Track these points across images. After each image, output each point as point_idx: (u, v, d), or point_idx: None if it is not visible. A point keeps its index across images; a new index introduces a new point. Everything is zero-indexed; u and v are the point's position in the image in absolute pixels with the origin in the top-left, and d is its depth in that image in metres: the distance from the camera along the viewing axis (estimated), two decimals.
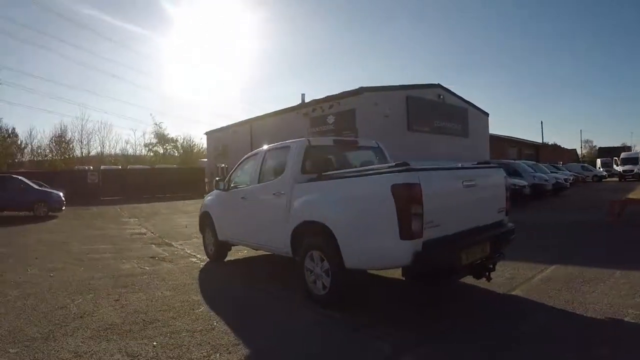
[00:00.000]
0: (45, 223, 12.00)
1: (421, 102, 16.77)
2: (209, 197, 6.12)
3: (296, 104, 20.12)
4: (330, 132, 16.03)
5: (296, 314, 3.63)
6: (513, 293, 3.81)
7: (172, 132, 50.64)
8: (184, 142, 42.39)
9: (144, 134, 61.76)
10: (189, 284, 4.94)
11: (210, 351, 2.91)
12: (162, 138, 38.19)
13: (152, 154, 38.83)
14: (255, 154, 5.15)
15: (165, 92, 67.52)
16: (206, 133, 28.94)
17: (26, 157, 35.66)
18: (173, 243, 8.12)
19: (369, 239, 3.10)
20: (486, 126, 21.96)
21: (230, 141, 24.13)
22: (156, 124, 40.75)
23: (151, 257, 6.76)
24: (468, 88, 74.84)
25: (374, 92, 15.34)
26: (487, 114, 22.08)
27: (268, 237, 4.56)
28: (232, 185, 5.40)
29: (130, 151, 43.37)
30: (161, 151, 41.65)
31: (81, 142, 38.98)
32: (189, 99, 69.89)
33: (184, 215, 13.44)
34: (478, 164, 4.23)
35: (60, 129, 37.12)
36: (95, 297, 4.42)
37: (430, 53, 76.23)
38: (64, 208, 14.88)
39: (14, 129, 34.77)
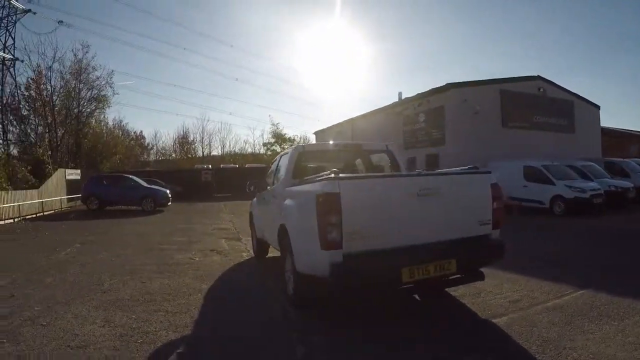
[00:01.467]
0: (147, 217, 15.76)
1: (517, 96, 17.62)
2: (254, 198, 7.29)
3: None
4: (421, 131, 18.56)
5: (266, 310, 4.48)
6: (495, 320, 3.80)
7: (290, 131, 56.32)
8: (300, 141, 47.65)
9: (262, 134, 70.46)
10: (212, 275, 6.24)
11: (164, 328, 4.00)
12: (279, 137, 44.01)
13: (269, 152, 44.49)
14: (277, 158, 6.14)
15: (286, 91, 78.66)
16: (315, 133, 33.78)
17: (152, 157, 46.74)
18: (242, 239, 9.76)
19: (306, 246, 3.55)
20: (596, 120, 22.27)
21: (336, 140, 27.16)
22: (273, 124, 46.82)
23: (210, 250, 8.45)
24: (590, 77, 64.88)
25: (463, 88, 16.79)
26: (597, 107, 22.29)
27: (272, 238, 5.38)
28: (267, 186, 6.20)
29: (249, 150, 50.78)
30: (278, 150, 47.60)
31: (202, 143, 47.95)
32: (308, 98, 79.99)
33: None
34: (469, 168, 4.18)
35: (183, 130, 46.86)
36: (130, 279, 5.99)
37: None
38: (169, 203, 19.12)
39: (141, 131, 46.17)
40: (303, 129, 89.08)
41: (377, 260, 3.31)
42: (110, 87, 33.00)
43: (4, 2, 30.10)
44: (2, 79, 29.97)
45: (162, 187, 21.35)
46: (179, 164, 39.82)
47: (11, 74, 30.49)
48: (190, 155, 45.14)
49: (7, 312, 4.64)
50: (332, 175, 3.41)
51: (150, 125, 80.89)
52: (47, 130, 30.19)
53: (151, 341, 3.72)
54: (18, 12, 30.66)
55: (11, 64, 30.57)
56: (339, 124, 28.34)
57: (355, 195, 3.30)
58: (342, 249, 3.22)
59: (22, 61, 30.86)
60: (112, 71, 35.10)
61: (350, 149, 6.01)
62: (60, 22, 32.72)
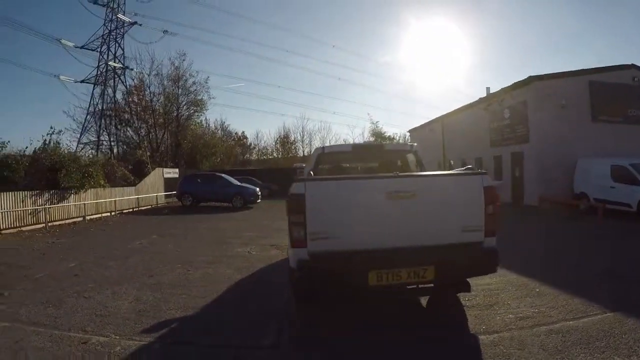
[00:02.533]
0: (233, 213, 18.05)
1: (609, 88, 17.74)
2: None
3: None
4: (506, 127, 19.49)
5: (272, 303, 5.18)
6: (482, 336, 3.85)
7: (391, 129, 57.81)
8: (399, 139, 49.44)
9: (362, 132, 73.49)
10: (254, 268, 7.30)
11: (175, 308, 5.05)
12: (378, 136, 46.60)
13: None
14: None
15: (386, 89, 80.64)
16: (409, 131, 36.52)
17: (254, 156, 51.70)
18: None
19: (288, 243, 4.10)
20: None
21: (427, 139, 30.15)
22: (373, 122, 48.60)
23: (271, 245, 9.39)
24: None
25: (547, 81, 17.38)
26: None
27: None
28: None
29: None
30: None
31: (302, 142, 51.87)
32: (408, 95, 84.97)
33: None
34: (466, 169, 4.40)
35: (284, 130, 51.27)
36: (180, 267, 7.37)
37: None
38: (258, 201, 21.32)
39: (243, 132, 51.85)
40: (404, 126, 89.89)
41: (342, 261, 3.63)
42: (206, 91, 38.02)
43: (113, 17, 37.36)
44: (114, 86, 36.91)
45: (258, 185, 24.20)
46: (279, 163, 43.41)
47: (122, 81, 37.60)
48: (291, 155, 48.85)
49: (64, 286, 6.09)
50: (305, 178, 3.91)
51: (253, 126, 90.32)
52: (147, 133, 35.99)
53: (157, 316, 4.70)
54: (125, 25, 37.97)
55: (122, 72, 37.73)
56: (431, 121, 30.42)
57: (321, 196, 3.68)
58: (307, 248, 3.64)
59: (132, 69, 37.74)
60: (208, 77, 40.52)
61: (372, 150, 6.40)
62: (165, 31, 39.07)
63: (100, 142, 35.90)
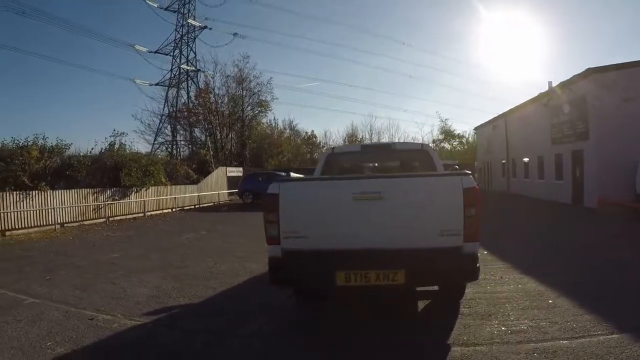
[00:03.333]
0: None
1: None
2: None
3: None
4: (566, 124, 19.13)
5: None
6: (456, 348, 3.76)
7: (460, 126, 57.10)
8: (468, 137, 48.63)
9: (431, 130, 72.40)
10: None
11: (185, 296, 5.62)
12: (447, 134, 44.97)
13: (437, 149, 46.63)
14: None
15: (455, 85, 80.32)
16: (475, 128, 36.95)
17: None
18: None
19: None
20: None
21: (491, 136, 31.31)
22: (442, 120, 48.55)
23: None
24: None
25: (606, 73, 16.67)
26: None
27: None
28: None
29: None
30: (447, 147, 50.74)
31: (371, 140, 52.49)
32: (478, 92, 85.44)
33: None
34: (452, 169, 4.42)
35: (352, 128, 52.21)
36: (211, 260, 8.08)
37: None
38: None
39: (312, 131, 53.31)
40: (477, 123, 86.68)
41: (312, 259, 3.88)
42: (269, 92, 39.78)
43: (183, 22, 40.47)
44: (187, 88, 39.85)
45: None
46: None
47: (195, 83, 40.65)
48: None
49: (100, 273, 6.99)
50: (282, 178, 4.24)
51: (323, 125, 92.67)
52: (211, 133, 38.34)
53: (164, 302, 5.31)
54: (196, 29, 40.96)
55: (194, 75, 40.81)
56: (494, 118, 30.93)
57: (294, 196, 3.98)
58: (281, 245, 3.93)
59: (204, 72, 40.69)
60: (271, 78, 42.18)
61: (381, 150, 6.51)
62: (235, 34, 41.47)
63: (175, 142, 38.84)
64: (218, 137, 38.29)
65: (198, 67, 39.94)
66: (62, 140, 16.13)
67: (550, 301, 4.85)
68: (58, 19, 59.43)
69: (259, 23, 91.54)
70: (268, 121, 45.02)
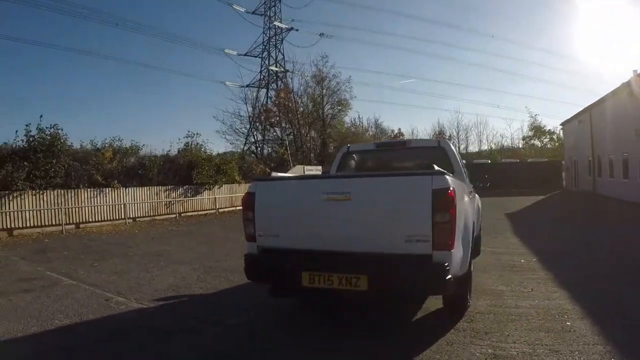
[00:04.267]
0: None
1: None
2: None
3: None
4: None
5: None
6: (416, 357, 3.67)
7: (552, 122, 54.51)
8: (559, 133, 46.70)
9: (521, 126, 68.78)
10: None
11: (201, 288, 6.16)
12: (537, 130, 45.02)
13: (527, 147, 46.29)
14: None
15: (547, 78, 76.47)
16: (562, 124, 37.02)
17: None
18: None
19: None
20: None
21: (578, 131, 31.06)
22: (531, 116, 47.42)
23: None
24: None
25: None
26: None
27: None
28: None
29: (506, 144, 53.38)
30: (537, 144, 49.65)
31: (457, 138, 52.50)
32: (568, 84, 79.23)
33: (498, 211, 16.60)
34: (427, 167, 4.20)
35: (438, 126, 51.46)
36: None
37: None
38: None
39: (399, 129, 52.96)
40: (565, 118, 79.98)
41: (282, 258, 4.12)
42: (347, 91, 40.91)
43: (270, 25, 43.34)
44: (277, 88, 41.96)
45: None
46: None
47: (284, 84, 42.61)
48: None
49: (142, 262, 7.91)
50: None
51: (410, 123, 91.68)
52: (290, 133, 39.78)
53: (180, 291, 5.94)
54: (283, 31, 43.82)
55: (283, 75, 43.12)
56: (579, 113, 30.40)
57: (269, 195, 4.19)
58: (256, 242, 4.20)
59: (293, 72, 42.53)
60: (350, 76, 43.42)
61: (396, 148, 6.53)
62: (322, 34, 43.80)
63: (257, 141, 41.10)
64: (297, 136, 39.64)
65: (287, 68, 42.15)
66: (136, 142, 18.09)
67: (568, 323, 4.29)
68: (149, 27, 65.70)
69: (345, 21, 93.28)
70: (352, 119, 45.97)
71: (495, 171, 31.77)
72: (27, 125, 12.95)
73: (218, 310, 5.08)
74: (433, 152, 5.86)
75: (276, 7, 43.83)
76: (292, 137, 38.65)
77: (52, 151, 13.06)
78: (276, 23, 42.80)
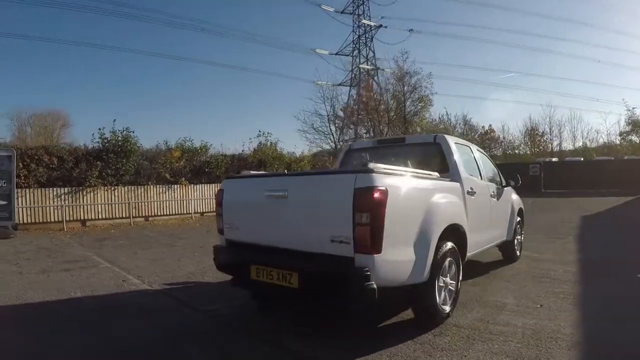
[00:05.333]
0: None
1: None
2: None
3: None
4: None
5: None
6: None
7: None
8: None
9: (618, 121, 62.55)
10: None
11: (213, 278, 6.54)
12: (636, 125, 41.95)
13: (624, 143, 43.17)
14: None
15: None
16: None
17: (499, 151, 50.47)
18: None
19: None
20: None
21: None
22: (629, 109, 43.86)
23: None
24: None
25: None
26: None
27: None
28: None
29: (601, 140, 49.32)
30: (636, 140, 46.17)
31: (550, 134, 49.42)
32: None
33: (575, 212, 15.57)
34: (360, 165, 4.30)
35: (530, 121, 49.13)
36: None
37: None
38: None
39: (490, 125, 51.49)
40: None
41: (237, 251, 4.53)
42: (427, 87, 40.77)
43: (359, 23, 44.65)
44: (370, 86, 42.75)
45: None
46: (523, 158, 41.93)
47: (376, 82, 43.38)
48: (540, 148, 46.82)
49: (180, 252, 8.83)
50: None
51: (501, 118, 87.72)
52: (367, 131, 39.95)
53: (193, 278, 6.61)
54: (372, 29, 44.93)
55: (374, 73, 43.77)
56: None
57: (232, 192, 4.64)
58: (224, 235, 4.65)
59: (384, 70, 42.65)
60: (430, 73, 42.44)
61: (395, 144, 6.45)
62: (411, 30, 44.27)
63: (360, 137, 42.05)
64: (378, 134, 39.86)
65: (378, 66, 42.79)
66: (205, 142, 19.54)
67: (547, 352, 3.72)
68: (236, 30, 69.51)
69: (434, 16, 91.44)
70: (440, 116, 45.38)
71: (587, 169, 30.96)
72: (100, 129, 14.93)
73: (208, 297, 5.49)
74: (428, 149, 5.76)
75: (364, 5, 45.34)
76: (369, 135, 39.01)
77: (123, 151, 14.76)
78: (365, 21, 43.89)
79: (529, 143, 48.82)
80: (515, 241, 7.24)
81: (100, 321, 4.56)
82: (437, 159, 5.38)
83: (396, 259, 3.65)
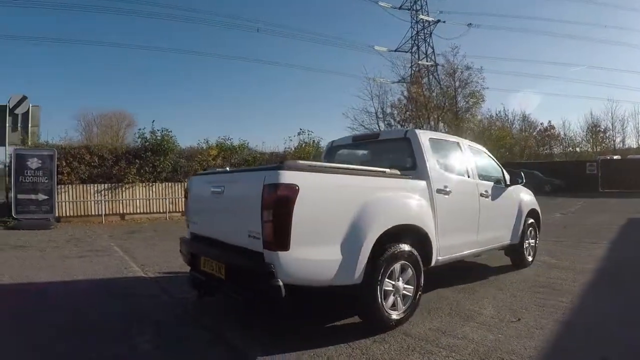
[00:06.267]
0: None
1: None
2: None
3: None
4: None
5: None
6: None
7: None
8: None
9: None
10: None
11: None
12: None
13: None
14: None
15: None
16: None
17: (558, 148, 48.48)
18: None
19: None
20: None
21: None
22: None
23: None
24: None
25: None
26: None
27: None
28: None
29: None
30: None
31: (613, 130, 47.20)
32: None
33: (621, 215, 14.79)
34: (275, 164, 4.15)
35: (591, 117, 46.91)
36: None
37: None
38: None
39: (549, 121, 49.55)
40: None
41: (194, 243, 4.90)
42: (479, 82, 40.02)
43: (417, 19, 44.73)
44: (429, 82, 42.98)
45: (539, 180, 26.37)
46: (587, 156, 40.29)
47: (435, 78, 43.25)
48: (603, 145, 45.08)
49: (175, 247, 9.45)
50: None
51: (560, 114, 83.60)
52: (417, 126, 39.57)
53: (187, 268, 6.91)
54: (431, 24, 44.92)
55: (434, 69, 43.82)
56: None
57: (193, 188, 5.06)
58: (189, 229, 5.08)
59: (443, 66, 42.51)
60: (481, 67, 41.52)
61: (369, 141, 6.36)
62: (469, 24, 44.29)
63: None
64: (427, 129, 39.64)
65: (437, 62, 42.87)
66: (244, 140, 20.25)
67: None
68: (289, 28, 70.87)
69: (492, 9, 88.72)
70: (497, 112, 44.74)
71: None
72: (140, 129, 16.29)
73: (188, 286, 5.45)
74: (399, 144, 5.48)
75: (422, 1, 45.22)
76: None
77: (160, 150, 15.86)
78: (422, 17, 43.77)
79: (591, 140, 46.70)
80: (526, 245, 6.82)
81: (79, 300, 5.27)
82: (406, 155, 5.20)
83: (312, 258, 3.65)
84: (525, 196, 7.03)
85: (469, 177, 5.64)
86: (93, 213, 14.49)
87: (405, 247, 4.22)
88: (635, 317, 4.57)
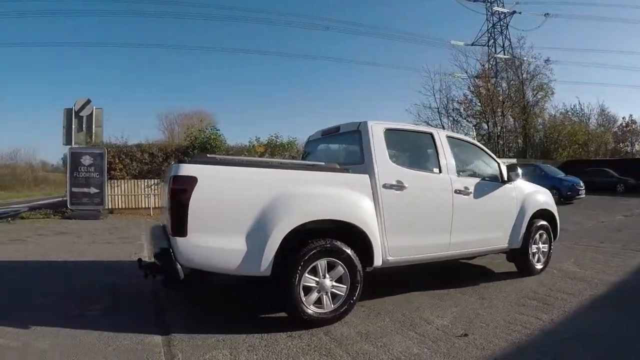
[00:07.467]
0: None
1: None
2: None
3: None
4: None
5: None
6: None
7: None
8: None
9: None
10: None
11: None
12: None
13: None
14: None
15: None
16: None
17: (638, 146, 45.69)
18: None
19: None
20: None
21: None
22: None
23: None
24: None
25: None
26: None
27: None
28: None
29: None
30: None
31: None
32: None
33: None
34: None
35: None
36: None
37: None
38: (582, 195, 20.53)
39: (630, 115, 46.40)
40: None
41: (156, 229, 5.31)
42: (546, 75, 39.06)
43: (492, 10, 43.38)
44: (507, 76, 41.62)
45: (611, 178, 26.17)
46: None
47: (514, 72, 41.70)
48: None
49: None
50: None
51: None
52: (476, 123, 38.67)
53: None
54: (507, 16, 43.41)
55: (511, 63, 42.11)
56: None
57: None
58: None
59: (519, 59, 41.36)
60: (548, 59, 39.51)
61: (333, 134, 6.13)
62: (547, 14, 42.82)
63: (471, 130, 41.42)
64: (492, 126, 38.40)
65: (515, 55, 41.56)
66: (294, 138, 20.76)
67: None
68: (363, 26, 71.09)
69: None
70: (572, 106, 43.14)
71: None
72: (188, 128, 17.22)
73: None
74: (352, 138, 5.36)
75: None
76: (479, 127, 37.78)
77: (207, 147, 16.86)
78: (497, 8, 42.80)
79: None
80: (533, 250, 6.21)
81: (77, 275, 6.26)
82: (357, 148, 5.09)
83: (213, 246, 3.85)
84: (531, 195, 6.37)
85: (440, 172, 5.25)
86: (142, 206, 15.92)
87: (332, 244, 4.17)
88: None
